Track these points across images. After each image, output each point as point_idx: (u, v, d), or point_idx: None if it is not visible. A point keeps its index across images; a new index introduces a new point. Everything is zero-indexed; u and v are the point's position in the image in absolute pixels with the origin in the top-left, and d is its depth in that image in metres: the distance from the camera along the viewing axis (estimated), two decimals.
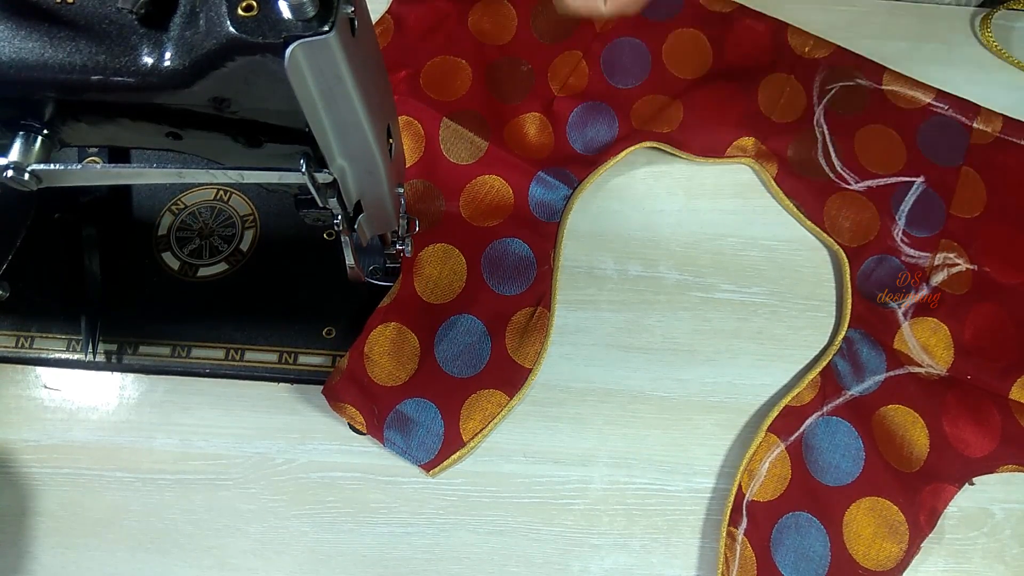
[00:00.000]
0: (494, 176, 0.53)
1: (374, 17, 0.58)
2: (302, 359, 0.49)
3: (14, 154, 0.33)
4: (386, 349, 0.48)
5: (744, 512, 0.45)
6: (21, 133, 0.34)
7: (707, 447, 0.48)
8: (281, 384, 0.49)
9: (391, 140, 0.38)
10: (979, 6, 0.60)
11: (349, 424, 0.48)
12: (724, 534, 0.44)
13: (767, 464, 0.46)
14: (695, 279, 0.52)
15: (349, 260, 0.43)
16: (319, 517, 0.46)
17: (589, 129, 0.55)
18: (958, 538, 0.45)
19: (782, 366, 0.49)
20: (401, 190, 0.42)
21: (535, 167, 0.54)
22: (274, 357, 0.49)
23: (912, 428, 0.47)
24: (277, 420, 0.48)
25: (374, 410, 0.47)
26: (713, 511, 0.46)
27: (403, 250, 0.47)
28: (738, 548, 0.44)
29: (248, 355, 0.49)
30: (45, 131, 0.34)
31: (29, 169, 0.33)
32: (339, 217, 0.38)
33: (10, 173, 0.33)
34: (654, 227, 0.53)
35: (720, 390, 0.49)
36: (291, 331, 0.50)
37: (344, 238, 0.41)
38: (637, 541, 0.46)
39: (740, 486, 0.45)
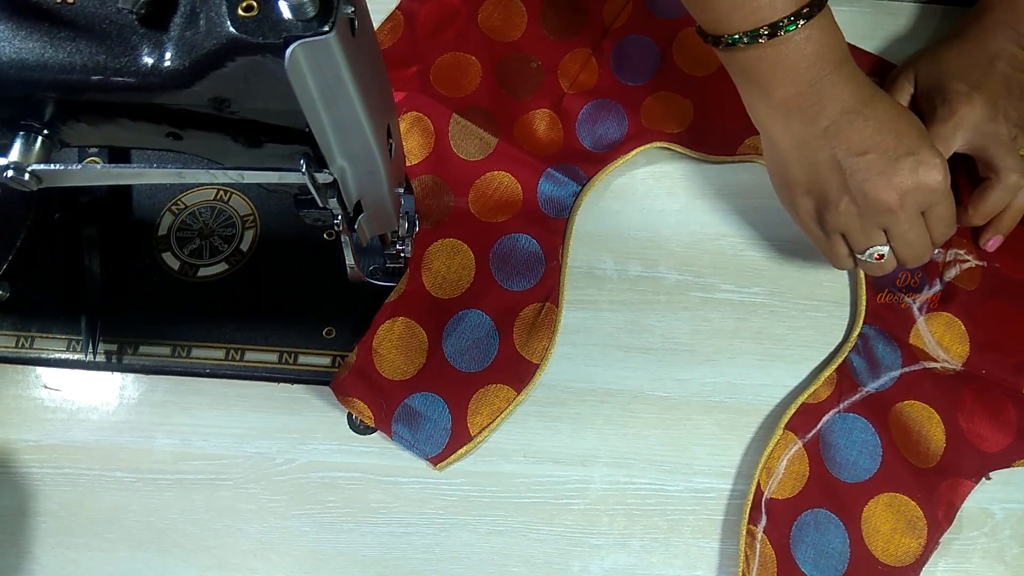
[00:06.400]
0: (503, 172, 0.53)
1: (384, 13, 0.58)
2: (302, 359, 0.49)
3: (14, 154, 0.33)
4: (394, 344, 0.48)
5: (763, 510, 0.45)
6: (21, 133, 0.33)
7: (707, 447, 0.48)
8: (281, 384, 0.49)
9: (391, 140, 0.38)
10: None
11: (349, 424, 0.48)
12: (744, 532, 0.44)
13: (785, 462, 0.46)
14: (695, 279, 0.52)
15: (349, 260, 0.43)
16: (319, 517, 0.46)
17: (599, 126, 0.55)
18: (958, 538, 0.45)
19: (782, 366, 0.50)
20: (401, 190, 0.42)
21: (544, 163, 0.54)
22: (274, 357, 0.49)
23: (928, 423, 0.47)
24: (277, 420, 0.48)
25: (382, 404, 0.47)
26: (713, 511, 0.46)
27: (403, 250, 0.47)
28: (758, 546, 0.44)
29: (248, 355, 0.49)
30: (45, 131, 0.34)
31: (29, 169, 0.33)
32: (339, 217, 0.38)
33: (10, 173, 0.33)
34: (654, 227, 0.53)
35: (720, 390, 0.49)
36: (291, 331, 0.50)
37: (344, 238, 0.41)
38: (637, 541, 0.46)
39: (759, 484, 0.45)
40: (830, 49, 0.41)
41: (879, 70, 0.56)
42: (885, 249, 0.45)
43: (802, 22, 0.40)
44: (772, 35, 0.40)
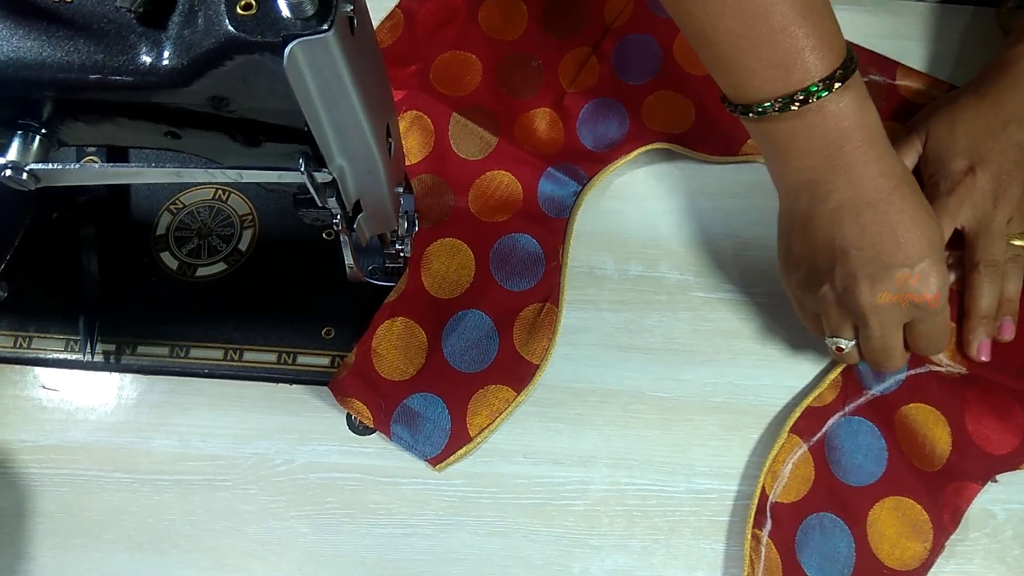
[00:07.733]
0: (503, 171, 0.53)
1: (384, 12, 0.58)
2: (301, 359, 0.49)
3: (12, 153, 0.33)
4: (393, 344, 0.48)
5: (768, 514, 0.45)
6: (19, 132, 0.33)
7: (708, 448, 0.48)
8: (280, 384, 0.49)
9: (390, 139, 0.38)
10: (988, 5, 0.60)
11: (348, 424, 0.48)
12: (748, 536, 0.44)
13: (790, 465, 0.46)
14: (695, 279, 0.52)
15: (348, 260, 0.43)
16: (318, 518, 0.46)
17: (600, 126, 0.55)
18: (959, 539, 0.45)
19: (783, 366, 0.49)
20: (400, 189, 0.42)
21: (545, 163, 0.53)
22: (273, 357, 0.49)
23: (934, 426, 0.46)
24: (276, 421, 0.48)
25: (381, 405, 0.47)
26: (715, 512, 0.46)
27: (402, 250, 0.47)
28: (763, 550, 0.44)
29: (247, 355, 0.49)
30: (43, 130, 0.34)
31: (27, 168, 0.33)
32: (338, 217, 0.38)
33: (8, 173, 0.33)
34: (654, 227, 0.53)
35: (720, 390, 0.49)
36: (290, 331, 0.49)
37: (343, 238, 0.41)
38: (637, 542, 0.45)
39: (763, 488, 0.45)
40: (857, 127, 0.39)
41: (887, 68, 0.56)
42: (846, 344, 0.44)
43: (837, 85, 0.37)
44: (804, 103, 0.38)
